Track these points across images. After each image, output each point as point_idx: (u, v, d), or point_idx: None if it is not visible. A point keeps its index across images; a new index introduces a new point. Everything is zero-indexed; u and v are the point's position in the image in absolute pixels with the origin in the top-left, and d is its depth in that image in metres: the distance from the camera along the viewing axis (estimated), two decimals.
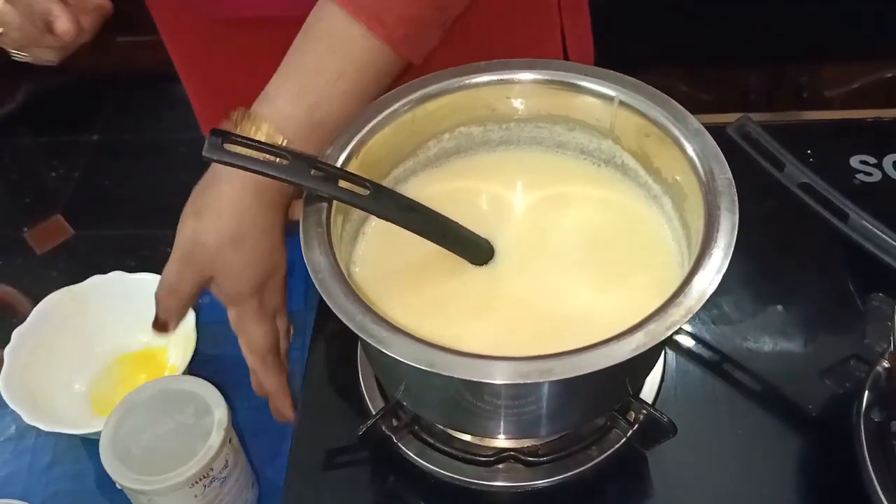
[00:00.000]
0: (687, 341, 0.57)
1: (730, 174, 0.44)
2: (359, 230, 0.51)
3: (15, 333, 0.63)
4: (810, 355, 0.57)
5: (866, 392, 0.49)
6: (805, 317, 0.59)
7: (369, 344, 0.40)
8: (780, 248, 0.63)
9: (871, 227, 0.48)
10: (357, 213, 0.51)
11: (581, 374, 0.37)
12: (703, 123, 0.47)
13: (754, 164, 0.53)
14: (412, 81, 0.51)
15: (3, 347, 0.62)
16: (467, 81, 0.51)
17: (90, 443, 0.61)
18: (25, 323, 0.64)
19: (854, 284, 0.59)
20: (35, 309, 0.64)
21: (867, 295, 0.57)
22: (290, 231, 0.77)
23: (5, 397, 0.59)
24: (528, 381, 0.38)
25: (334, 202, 0.46)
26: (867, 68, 1.51)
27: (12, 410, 0.58)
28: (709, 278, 0.40)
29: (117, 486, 0.52)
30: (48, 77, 2.15)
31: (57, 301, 0.65)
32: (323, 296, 0.41)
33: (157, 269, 0.68)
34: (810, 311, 0.59)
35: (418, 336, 0.39)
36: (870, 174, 0.66)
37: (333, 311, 0.40)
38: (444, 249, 0.48)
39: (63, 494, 0.60)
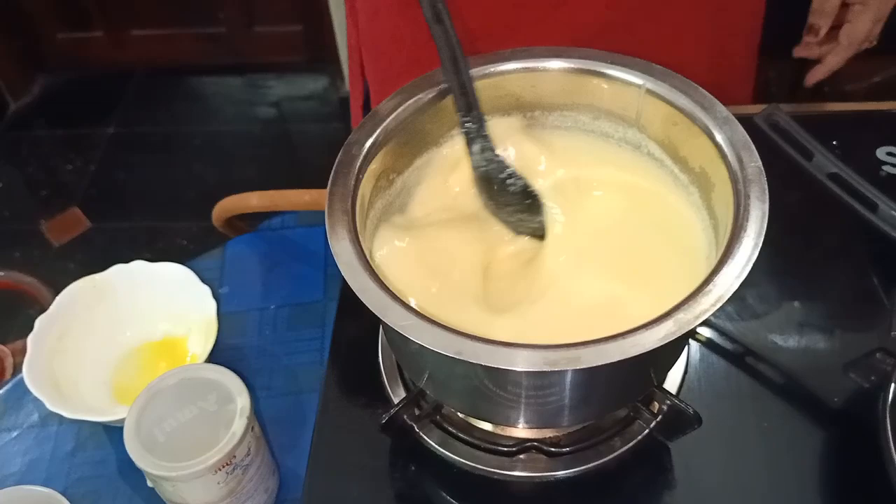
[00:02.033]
0: (711, 334, 0.57)
1: (759, 162, 0.44)
2: (383, 219, 0.51)
3: (38, 321, 0.63)
4: (835, 348, 0.56)
5: (892, 385, 0.49)
6: (830, 309, 0.58)
7: (394, 333, 0.40)
8: (805, 239, 0.62)
9: None
10: (381, 202, 0.51)
11: (609, 362, 0.37)
12: (733, 114, 0.47)
13: (782, 154, 0.52)
14: (437, 69, 0.51)
15: (26, 336, 0.62)
16: (492, 70, 0.51)
17: (112, 430, 0.62)
18: (48, 311, 0.64)
19: (880, 277, 0.59)
20: (58, 297, 0.65)
21: (893, 287, 0.56)
22: (312, 222, 0.77)
23: (28, 384, 0.59)
24: (556, 370, 0.37)
25: (358, 188, 0.46)
26: (887, 62, 1.49)
27: (35, 398, 0.59)
28: (739, 267, 0.40)
29: (148, 482, 0.52)
30: (64, 70, 2.16)
31: (79, 289, 0.65)
32: (349, 283, 0.41)
33: (172, 261, 0.68)
34: (835, 303, 0.59)
35: (445, 324, 0.39)
36: None
37: (360, 299, 0.40)
38: (468, 238, 0.48)
39: (85, 481, 0.60)
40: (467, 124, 0.51)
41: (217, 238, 0.78)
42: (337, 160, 0.46)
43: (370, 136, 0.48)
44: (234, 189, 0.75)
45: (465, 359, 0.38)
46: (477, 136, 0.51)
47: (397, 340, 0.47)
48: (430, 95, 0.50)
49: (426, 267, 0.48)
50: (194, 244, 1.72)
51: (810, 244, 0.62)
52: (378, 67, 0.78)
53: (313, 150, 1.93)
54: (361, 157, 0.46)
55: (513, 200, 0.51)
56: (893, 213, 0.48)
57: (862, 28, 0.72)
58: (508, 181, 0.51)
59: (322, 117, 2.05)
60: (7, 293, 1.11)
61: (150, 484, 0.54)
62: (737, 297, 0.58)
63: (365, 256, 0.42)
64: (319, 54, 2.05)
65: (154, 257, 0.68)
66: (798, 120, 0.54)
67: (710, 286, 0.39)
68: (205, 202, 0.76)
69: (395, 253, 0.48)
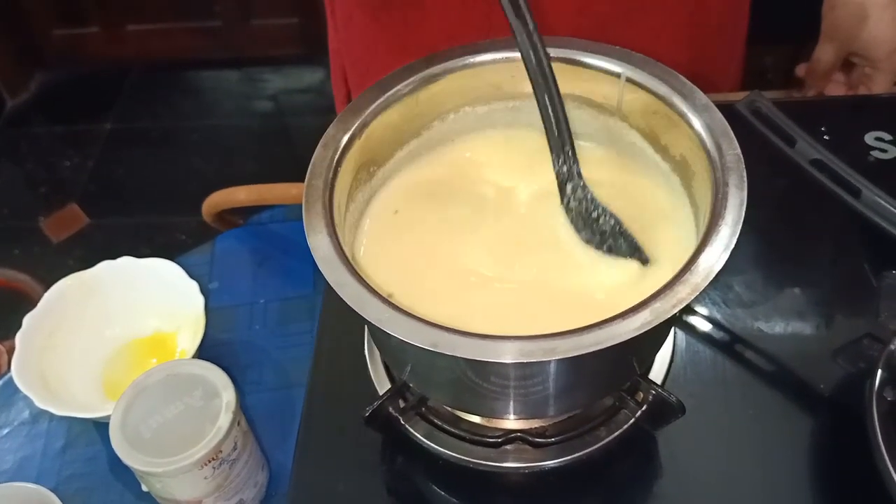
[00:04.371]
0: (697, 321, 0.57)
1: (738, 150, 0.43)
2: (363, 213, 0.51)
3: (26, 319, 0.63)
4: (823, 334, 0.56)
5: (879, 371, 0.48)
6: (817, 296, 0.58)
7: (374, 325, 0.39)
8: (792, 226, 0.62)
9: (884, 202, 0.47)
10: (361, 196, 0.51)
11: (585, 352, 0.37)
12: (716, 101, 0.46)
13: (765, 141, 0.52)
14: (415, 62, 0.50)
15: (16, 333, 0.63)
16: (471, 61, 0.51)
17: (103, 426, 0.62)
18: (37, 308, 0.64)
19: (867, 262, 0.58)
20: (46, 295, 0.65)
21: (881, 273, 0.56)
22: (301, 216, 0.77)
23: (18, 382, 0.59)
24: (532, 361, 0.37)
25: (336, 182, 0.45)
26: None
27: (25, 395, 0.59)
28: (716, 255, 0.39)
29: (143, 487, 0.53)
30: (61, 67, 2.16)
31: (68, 287, 0.65)
32: (326, 276, 0.41)
33: (171, 256, 0.68)
34: (823, 289, 0.58)
35: (423, 317, 0.39)
36: (885, 150, 0.65)
37: (336, 292, 0.40)
38: (448, 232, 0.47)
39: (76, 478, 0.60)
40: (562, 164, 0.49)
41: (216, 233, 0.78)
42: (314, 155, 0.46)
43: (347, 130, 0.47)
44: (232, 183, 0.75)
45: (442, 351, 0.38)
46: (570, 176, 0.49)
47: (378, 333, 0.47)
48: (409, 88, 0.50)
49: (406, 258, 0.48)
50: (193, 239, 1.72)
51: (798, 231, 0.62)
52: (356, 73, 0.77)
53: (311, 143, 1.92)
54: (339, 151, 0.46)
55: (606, 238, 0.49)
56: (877, 198, 0.47)
57: (879, 88, 0.72)
58: (600, 220, 0.49)
59: (320, 110, 2.05)
60: (1, 291, 1.11)
61: (144, 488, 0.54)
62: (723, 284, 0.58)
63: (343, 251, 0.42)
64: (316, 47, 2.04)
65: (153, 252, 0.68)
66: (788, 106, 0.53)
67: (688, 275, 0.39)
68: (204, 197, 0.76)
69: (375, 246, 0.48)
